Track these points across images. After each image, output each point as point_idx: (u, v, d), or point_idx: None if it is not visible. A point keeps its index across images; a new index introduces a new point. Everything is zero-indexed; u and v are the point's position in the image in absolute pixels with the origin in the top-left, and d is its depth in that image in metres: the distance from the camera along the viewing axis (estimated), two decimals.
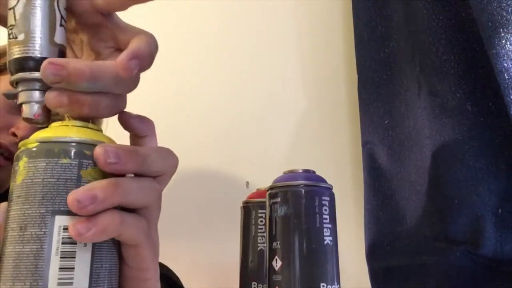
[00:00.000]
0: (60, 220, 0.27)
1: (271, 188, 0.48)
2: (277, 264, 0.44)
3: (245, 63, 0.93)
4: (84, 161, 0.28)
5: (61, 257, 0.26)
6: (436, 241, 0.70)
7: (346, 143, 0.89)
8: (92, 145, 0.28)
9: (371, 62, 0.83)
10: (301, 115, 0.91)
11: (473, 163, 0.64)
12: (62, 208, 0.27)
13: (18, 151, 0.29)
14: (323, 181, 0.47)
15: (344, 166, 0.88)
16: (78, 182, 0.28)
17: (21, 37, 0.29)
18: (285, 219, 0.45)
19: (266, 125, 0.91)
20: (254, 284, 0.58)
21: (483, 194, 0.63)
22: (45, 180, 0.27)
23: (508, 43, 0.54)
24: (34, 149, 0.28)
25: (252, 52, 0.94)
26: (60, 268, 0.26)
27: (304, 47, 0.94)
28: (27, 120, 0.30)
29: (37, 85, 0.29)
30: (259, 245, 0.59)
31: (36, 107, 0.29)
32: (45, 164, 0.27)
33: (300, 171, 0.47)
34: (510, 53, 0.54)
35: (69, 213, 0.27)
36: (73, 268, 0.27)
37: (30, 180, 0.27)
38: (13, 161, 0.29)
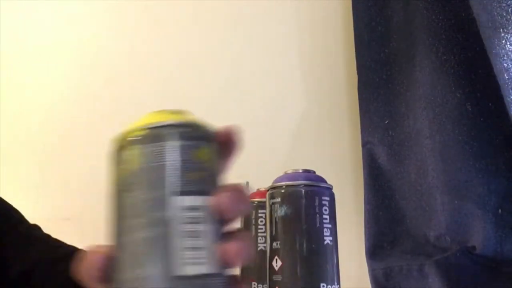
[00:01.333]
0: (184, 201, 0.27)
1: (271, 188, 0.47)
2: (277, 264, 0.44)
3: (246, 63, 0.93)
4: (195, 142, 0.28)
5: (188, 237, 0.26)
6: (436, 241, 0.70)
7: (346, 143, 0.89)
8: (194, 126, 0.29)
9: (371, 62, 0.83)
10: (301, 115, 0.91)
11: (473, 163, 0.64)
12: (184, 189, 0.27)
13: (122, 142, 0.29)
14: (323, 181, 0.47)
15: (344, 166, 0.88)
16: (195, 162, 0.28)
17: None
18: (285, 219, 0.45)
19: (266, 125, 0.91)
20: (254, 284, 0.58)
21: (483, 194, 0.63)
22: (165, 163, 0.27)
23: (508, 43, 0.53)
24: (144, 135, 0.28)
25: (252, 52, 0.94)
26: (189, 248, 0.26)
27: (304, 47, 0.94)
28: None
29: None
30: (259, 245, 0.59)
31: None
32: (160, 148, 0.28)
33: (300, 171, 0.47)
34: (510, 53, 0.54)
35: (192, 193, 0.27)
36: (202, 248, 0.27)
37: (146, 165, 0.27)
38: (115, 151, 0.29)
